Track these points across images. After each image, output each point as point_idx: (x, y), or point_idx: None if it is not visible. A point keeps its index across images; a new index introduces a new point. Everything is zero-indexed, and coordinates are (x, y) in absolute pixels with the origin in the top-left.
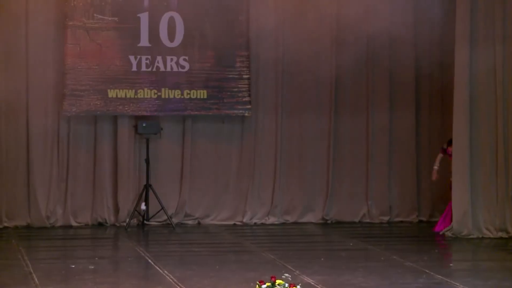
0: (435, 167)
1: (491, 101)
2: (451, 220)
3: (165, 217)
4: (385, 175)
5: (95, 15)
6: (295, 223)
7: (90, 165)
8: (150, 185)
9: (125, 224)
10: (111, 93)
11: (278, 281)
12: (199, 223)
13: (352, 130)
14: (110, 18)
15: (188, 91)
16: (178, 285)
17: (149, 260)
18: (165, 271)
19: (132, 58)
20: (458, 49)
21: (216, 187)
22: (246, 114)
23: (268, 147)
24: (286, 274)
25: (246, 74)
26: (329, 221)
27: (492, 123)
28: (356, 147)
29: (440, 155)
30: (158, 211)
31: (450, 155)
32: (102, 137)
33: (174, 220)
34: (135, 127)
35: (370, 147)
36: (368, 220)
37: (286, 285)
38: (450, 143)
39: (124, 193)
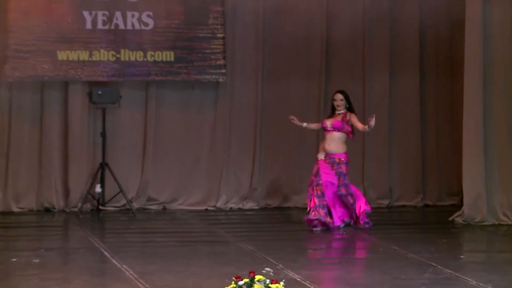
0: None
1: (509, 65)
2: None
3: (124, 201)
4: (384, 151)
5: None
6: (278, 208)
7: (36, 140)
8: (106, 164)
9: (76, 209)
10: (61, 55)
11: (258, 277)
12: (164, 208)
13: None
14: None
15: (152, 53)
16: (139, 282)
17: (105, 252)
18: (124, 265)
19: (86, 13)
20: (469, 3)
21: (184, 166)
22: (220, 80)
23: (246, 119)
24: (267, 269)
25: (221, 33)
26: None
27: (509, 90)
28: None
29: (318, 124)
30: (116, 194)
31: (327, 130)
32: (50, 107)
33: (135, 205)
34: (89, 95)
35: (366, 117)
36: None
37: (267, 281)
38: (333, 111)
39: (75, 173)
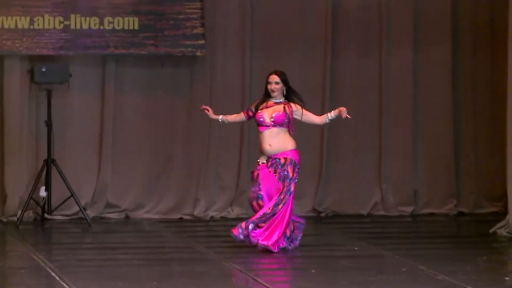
0: None
1: None
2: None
3: (76, 209)
4: (407, 146)
5: None
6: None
7: None
8: (53, 161)
9: (15, 218)
10: None
11: None
12: (127, 217)
13: (357, 79)
14: None
15: (111, 19)
16: None
17: (52, 273)
18: None
19: None
20: None
21: (152, 164)
22: (198, 54)
23: (230, 104)
24: None
25: None
26: (323, 214)
27: None
28: (364, 103)
29: (240, 113)
30: (66, 200)
31: (263, 125)
32: None
33: (90, 213)
34: (31, 73)
35: (384, 104)
36: (382, 213)
37: None
38: (262, 102)
39: (13, 172)
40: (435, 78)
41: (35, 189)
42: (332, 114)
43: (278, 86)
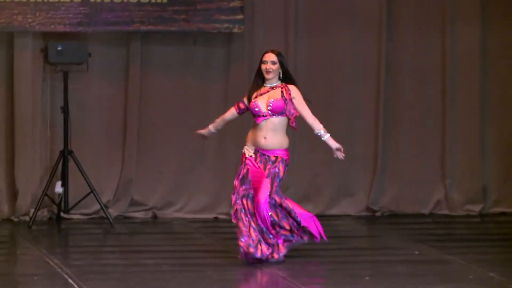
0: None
1: None
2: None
3: (96, 207)
4: (475, 135)
5: None
6: (319, 216)
7: None
8: (70, 152)
9: (28, 218)
10: None
11: None
12: (155, 216)
13: (417, 59)
14: None
15: None
16: None
17: (69, 280)
18: None
19: None
20: None
21: (183, 156)
22: (236, 30)
23: None
24: None
25: None
26: (378, 213)
27: None
28: (425, 86)
29: (231, 109)
30: (85, 197)
31: (260, 115)
32: None
33: (112, 212)
34: (45, 52)
35: (448, 87)
36: (445, 212)
37: None
38: (255, 89)
39: (25, 166)
40: (507, 58)
41: (50, 184)
42: (324, 137)
43: (274, 67)
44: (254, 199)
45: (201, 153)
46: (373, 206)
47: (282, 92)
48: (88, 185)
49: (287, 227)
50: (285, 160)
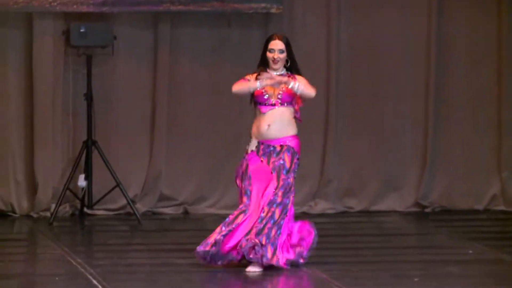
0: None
1: None
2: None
3: (123, 202)
4: None
5: None
6: (363, 212)
7: None
8: (94, 143)
9: (48, 214)
10: None
11: None
12: (185, 212)
13: (470, 39)
14: None
15: None
16: None
17: (94, 281)
18: None
19: None
20: None
21: (216, 147)
22: (274, 10)
23: (313, 72)
24: None
25: None
26: (428, 209)
27: None
28: (480, 70)
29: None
30: (110, 191)
31: (267, 104)
32: (3, 55)
33: (140, 207)
34: (66, 34)
35: (504, 70)
36: (502, 207)
37: None
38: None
39: (46, 157)
40: None
41: (73, 177)
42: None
43: (282, 56)
44: (250, 196)
45: (235, 144)
46: (423, 201)
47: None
48: (114, 178)
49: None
50: (292, 148)
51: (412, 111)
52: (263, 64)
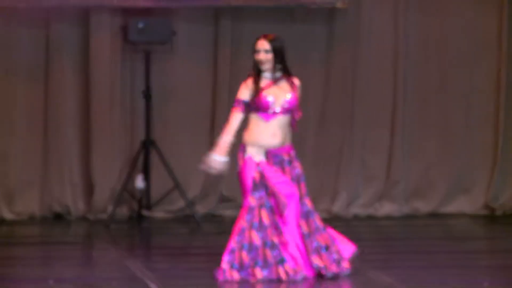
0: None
1: None
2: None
3: (182, 203)
4: None
5: None
6: (431, 214)
7: (38, 106)
8: (153, 143)
9: (105, 216)
10: None
11: None
12: None
13: None
14: None
15: None
16: None
17: (151, 285)
18: None
19: None
20: None
21: None
22: (339, 5)
23: (380, 69)
24: None
25: None
26: (498, 212)
27: None
28: None
29: (236, 117)
30: (169, 192)
31: (272, 113)
32: (61, 51)
33: (199, 209)
34: (124, 30)
35: None
36: None
37: None
38: (258, 81)
39: (103, 157)
40: None
41: (130, 178)
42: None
43: (269, 56)
44: (274, 207)
45: (299, 143)
46: (493, 203)
47: (290, 86)
48: (173, 179)
49: (323, 243)
50: (295, 155)
51: (482, 108)
52: (255, 67)
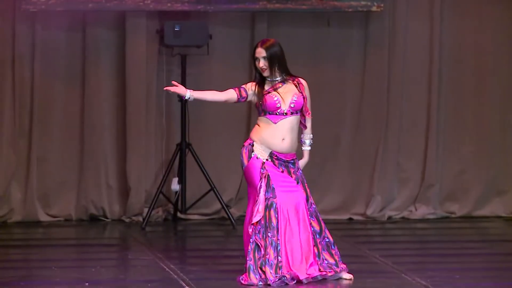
0: None
1: None
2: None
3: (217, 206)
4: None
5: None
6: (467, 217)
7: (73, 109)
8: (189, 146)
9: (141, 218)
10: None
11: None
12: None
13: None
14: None
15: None
16: None
17: (187, 287)
18: None
19: None
20: None
21: (314, 150)
22: (374, 9)
23: (416, 73)
24: None
25: None
26: None
27: None
28: None
29: (231, 95)
30: (204, 195)
31: (279, 113)
32: (96, 55)
33: (235, 212)
34: (160, 33)
35: None
36: None
37: None
38: (263, 83)
39: (138, 160)
40: None
41: (166, 181)
42: (307, 147)
43: (267, 63)
44: (277, 210)
45: (334, 145)
46: None
47: (296, 86)
48: (208, 182)
49: (332, 239)
50: (298, 160)
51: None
52: (258, 72)
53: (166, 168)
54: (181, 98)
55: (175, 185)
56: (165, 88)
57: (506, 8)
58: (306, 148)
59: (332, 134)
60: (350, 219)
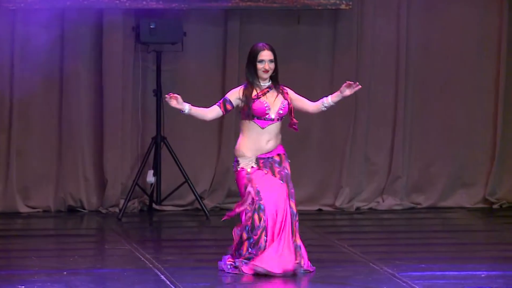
0: None
1: None
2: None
3: (191, 198)
4: None
5: None
6: (432, 208)
7: (52, 104)
8: (163, 139)
9: (117, 210)
10: None
11: None
12: None
13: None
14: None
15: None
16: None
17: (162, 276)
18: None
19: None
20: None
21: (284, 142)
22: (343, 7)
23: (384, 71)
24: None
25: None
26: (496, 205)
27: None
28: None
29: (217, 112)
30: (179, 187)
31: (267, 120)
32: (74, 51)
33: (208, 203)
34: (136, 30)
35: None
36: None
37: None
38: (251, 88)
39: (114, 153)
40: None
41: (141, 174)
42: (329, 100)
43: (272, 66)
44: (265, 211)
45: (303, 138)
46: (491, 197)
47: (283, 93)
48: (182, 174)
49: (299, 243)
50: (286, 155)
51: (482, 107)
52: (251, 75)
53: (142, 161)
54: (156, 93)
55: (150, 177)
56: (165, 100)
57: (472, 6)
58: (332, 101)
59: (302, 127)
60: (320, 210)
